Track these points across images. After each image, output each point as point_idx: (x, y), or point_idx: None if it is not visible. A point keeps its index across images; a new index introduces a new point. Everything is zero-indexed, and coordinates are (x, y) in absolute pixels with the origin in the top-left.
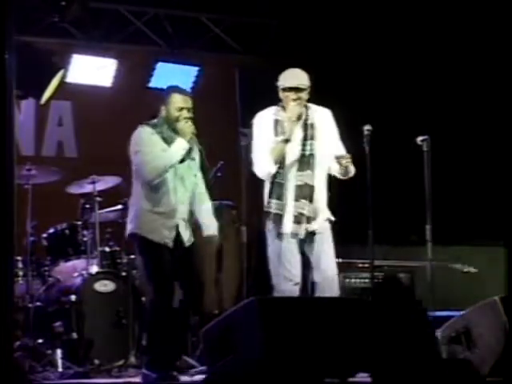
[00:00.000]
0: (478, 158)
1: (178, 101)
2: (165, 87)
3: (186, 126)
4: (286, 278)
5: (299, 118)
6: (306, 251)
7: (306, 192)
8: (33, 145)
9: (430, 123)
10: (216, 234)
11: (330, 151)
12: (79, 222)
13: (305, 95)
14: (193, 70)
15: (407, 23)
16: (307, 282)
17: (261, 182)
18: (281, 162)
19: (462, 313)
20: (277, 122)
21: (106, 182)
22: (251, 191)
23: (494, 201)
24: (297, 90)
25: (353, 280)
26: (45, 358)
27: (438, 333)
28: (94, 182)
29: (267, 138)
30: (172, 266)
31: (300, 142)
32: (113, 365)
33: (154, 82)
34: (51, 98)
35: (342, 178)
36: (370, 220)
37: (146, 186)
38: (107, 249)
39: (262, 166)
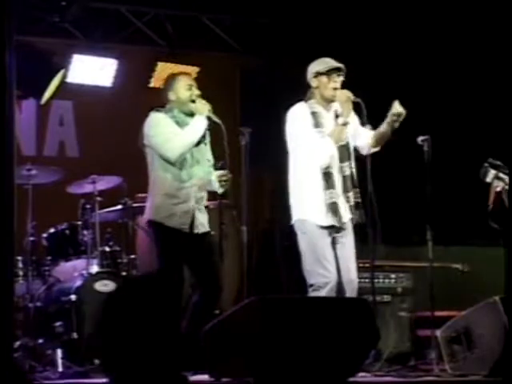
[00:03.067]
0: (479, 158)
1: (185, 79)
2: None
3: (202, 104)
4: (324, 277)
5: (355, 104)
6: (337, 250)
7: (350, 183)
8: (34, 145)
9: (430, 123)
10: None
11: (357, 131)
12: (79, 222)
13: (341, 80)
14: (193, 70)
15: (407, 22)
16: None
17: (262, 181)
18: (342, 156)
19: (462, 313)
20: (314, 114)
21: (107, 182)
22: (251, 191)
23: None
24: (338, 70)
25: None
26: (45, 358)
27: (438, 333)
28: (94, 182)
29: (310, 129)
30: (187, 251)
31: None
32: None
33: (154, 82)
34: (52, 97)
35: (380, 140)
36: (370, 220)
37: (162, 170)
38: (107, 249)
39: (325, 151)
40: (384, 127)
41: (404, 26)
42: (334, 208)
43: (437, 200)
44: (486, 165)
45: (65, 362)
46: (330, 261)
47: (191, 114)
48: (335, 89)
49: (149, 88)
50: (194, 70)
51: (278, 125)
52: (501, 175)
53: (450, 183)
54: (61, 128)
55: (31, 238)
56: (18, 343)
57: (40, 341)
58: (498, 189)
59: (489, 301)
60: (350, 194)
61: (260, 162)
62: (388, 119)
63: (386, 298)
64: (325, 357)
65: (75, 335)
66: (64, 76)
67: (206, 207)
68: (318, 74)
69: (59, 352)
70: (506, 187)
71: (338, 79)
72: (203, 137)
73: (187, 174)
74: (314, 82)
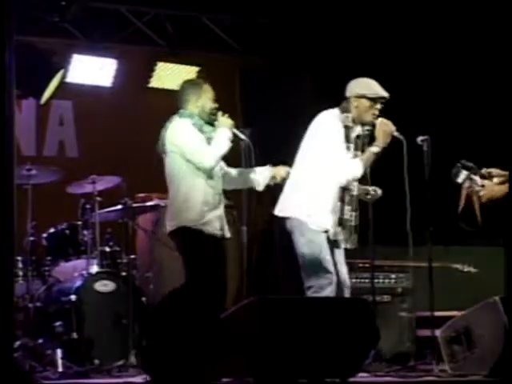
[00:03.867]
0: (478, 158)
1: (210, 90)
2: (165, 87)
3: (225, 119)
4: (327, 278)
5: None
6: (334, 252)
7: (356, 203)
8: (34, 145)
9: (430, 123)
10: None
11: None
12: (79, 222)
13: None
14: (192, 70)
15: (407, 22)
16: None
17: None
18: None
19: (462, 313)
20: (347, 128)
21: (107, 182)
22: (252, 191)
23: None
24: (383, 98)
25: (353, 280)
26: (45, 357)
27: (438, 333)
28: (94, 182)
29: (341, 142)
30: (219, 256)
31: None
32: (113, 365)
33: (154, 82)
34: (51, 97)
35: None
36: (370, 220)
37: (193, 177)
38: (107, 249)
39: (352, 172)
40: (368, 154)
41: (404, 26)
42: (345, 224)
43: (437, 200)
44: (459, 165)
45: (65, 362)
46: (330, 262)
47: (209, 123)
48: (375, 115)
49: (148, 88)
50: (193, 69)
51: (278, 125)
52: (472, 176)
53: (450, 183)
54: (60, 128)
55: (31, 238)
56: (17, 343)
57: (40, 341)
58: (469, 190)
59: (489, 301)
60: (354, 214)
61: (260, 162)
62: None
63: (386, 298)
64: (325, 357)
65: (75, 335)
66: (64, 76)
67: None
68: (362, 97)
69: (59, 352)
70: (477, 189)
71: (380, 106)
72: None
73: (215, 181)
74: (354, 101)
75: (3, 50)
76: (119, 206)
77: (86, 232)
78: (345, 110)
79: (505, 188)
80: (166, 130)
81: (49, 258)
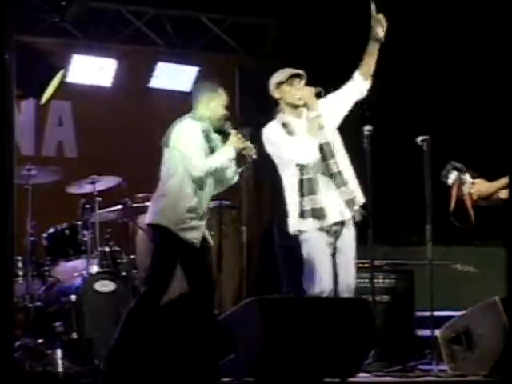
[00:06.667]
0: (478, 158)
1: (224, 98)
2: (165, 87)
3: (236, 140)
4: (319, 287)
5: (318, 94)
6: (336, 257)
7: (340, 179)
8: (33, 145)
9: (430, 123)
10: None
11: (338, 100)
12: (79, 222)
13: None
14: (193, 70)
15: (408, 23)
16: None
17: (262, 182)
18: (323, 154)
19: (462, 313)
20: (285, 125)
21: (106, 182)
22: (252, 191)
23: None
24: (298, 76)
25: None
26: (45, 357)
27: (438, 333)
28: (94, 182)
29: (285, 137)
30: (187, 263)
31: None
32: None
33: (154, 82)
34: (51, 98)
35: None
36: (370, 220)
37: (185, 182)
38: (107, 249)
39: (303, 147)
40: (370, 46)
41: (404, 26)
42: (316, 214)
43: (436, 200)
44: (449, 167)
45: (65, 362)
46: (326, 271)
47: (218, 131)
48: (299, 95)
49: (148, 88)
50: (193, 69)
51: None
52: (462, 177)
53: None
54: (60, 128)
55: (31, 238)
56: (17, 343)
57: (40, 341)
58: (460, 189)
59: (489, 301)
60: (344, 189)
61: (260, 162)
62: (372, 33)
63: (386, 298)
64: (325, 357)
65: (75, 335)
66: (64, 76)
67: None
68: (279, 85)
69: (59, 352)
70: (468, 187)
71: (300, 85)
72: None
73: (205, 192)
74: (277, 94)
75: (3, 50)
76: (119, 206)
77: (85, 232)
78: (277, 112)
79: (495, 185)
80: (174, 127)
81: (49, 257)
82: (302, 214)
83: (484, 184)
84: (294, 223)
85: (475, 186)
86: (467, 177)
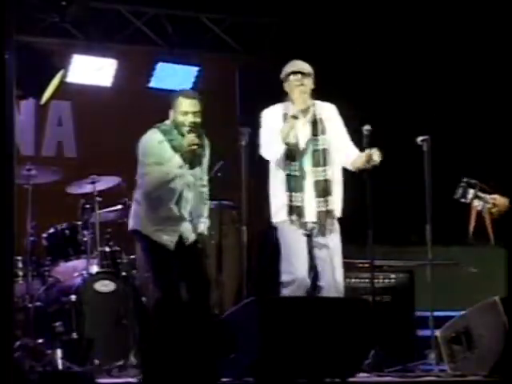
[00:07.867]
0: (478, 158)
1: (183, 105)
2: (165, 87)
3: (188, 139)
4: (291, 273)
5: (307, 107)
6: (315, 251)
7: (324, 188)
8: (32, 145)
9: (430, 123)
10: (205, 232)
11: (340, 145)
12: (79, 222)
13: (308, 82)
14: (193, 70)
15: (408, 23)
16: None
17: (262, 181)
18: (292, 155)
19: (462, 313)
20: (286, 115)
21: (106, 182)
22: (252, 191)
23: None
24: (300, 74)
25: (353, 280)
26: (45, 357)
27: (438, 333)
28: (93, 182)
29: (276, 126)
30: (176, 267)
31: (311, 138)
32: (113, 365)
33: (154, 82)
34: (51, 98)
35: (355, 169)
36: (370, 220)
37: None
38: (107, 249)
39: (270, 146)
40: (357, 164)
41: (404, 26)
42: (296, 211)
43: (436, 200)
44: (464, 185)
45: (65, 362)
46: (298, 258)
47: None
48: (299, 90)
49: (148, 88)
50: (193, 69)
51: None
52: (479, 194)
53: (450, 183)
54: (59, 128)
55: (31, 238)
56: (18, 343)
57: (40, 341)
58: (479, 208)
59: (489, 301)
60: (322, 200)
61: (260, 162)
62: (365, 161)
63: (386, 298)
64: (325, 357)
65: (75, 335)
66: (64, 76)
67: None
68: (286, 77)
69: (59, 352)
70: (488, 206)
71: (300, 81)
72: (199, 162)
73: (178, 197)
74: (285, 86)
75: (3, 50)
76: (119, 206)
77: (85, 232)
78: (288, 99)
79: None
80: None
81: (49, 258)
82: (283, 207)
83: (501, 200)
84: (274, 213)
85: (498, 204)
86: (486, 195)
